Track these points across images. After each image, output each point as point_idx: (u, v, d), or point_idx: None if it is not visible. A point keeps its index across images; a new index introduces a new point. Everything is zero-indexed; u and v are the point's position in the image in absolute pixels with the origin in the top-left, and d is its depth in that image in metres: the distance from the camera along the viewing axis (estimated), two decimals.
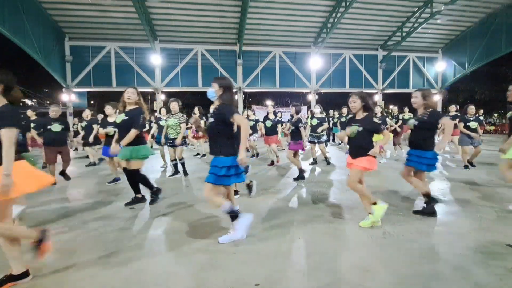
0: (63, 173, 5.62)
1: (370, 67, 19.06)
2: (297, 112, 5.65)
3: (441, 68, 19.19)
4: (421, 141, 3.39)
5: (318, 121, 7.01)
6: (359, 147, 3.10)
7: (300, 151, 5.71)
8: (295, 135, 5.52)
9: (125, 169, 3.91)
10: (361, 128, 3.07)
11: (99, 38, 15.87)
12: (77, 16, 14.13)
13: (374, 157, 3.08)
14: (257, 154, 8.69)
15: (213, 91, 2.79)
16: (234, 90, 3.01)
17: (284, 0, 13.94)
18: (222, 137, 2.70)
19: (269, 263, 2.35)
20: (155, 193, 4.08)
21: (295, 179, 5.41)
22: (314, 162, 7.26)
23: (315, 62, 17.32)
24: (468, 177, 5.52)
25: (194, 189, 4.96)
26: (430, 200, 3.44)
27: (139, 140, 3.81)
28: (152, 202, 4.02)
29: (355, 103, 3.13)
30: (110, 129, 5.06)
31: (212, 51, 17.15)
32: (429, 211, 3.40)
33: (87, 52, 16.16)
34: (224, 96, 2.75)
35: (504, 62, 21.93)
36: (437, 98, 19.70)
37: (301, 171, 5.47)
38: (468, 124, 6.30)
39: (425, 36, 17.69)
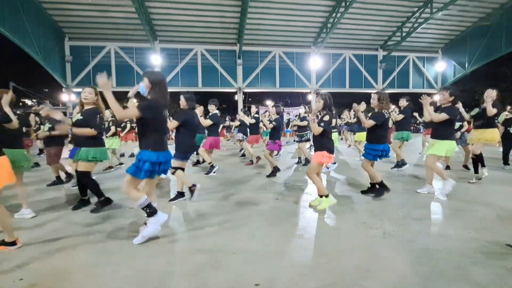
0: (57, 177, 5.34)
1: (370, 67, 19.07)
2: (277, 113, 6.08)
3: (441, 68, 19.20)
4: (373, 136, 4.12)
5: (300, 121, 7.16)
6: (315, 142, 3.70)
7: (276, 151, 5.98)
8: (273, 135, 5.79)
9: (76, 171, 3.73)
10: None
11: (99, 38, 15.89)
12: (77, 16, 14.15)
13: (331, 153, 3.64)
14: (244, 155, 8.79)
15: (143, 86, 2.70)
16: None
17: (284, 0, 13.95)
18: (146, 131, 2.69)
19: (269, 263, 2.35)
20: (102, 202, 3.74)
21: (268, 176, 5.74)
22: (301, 161, 7.36)
23: (315, 62, 17.34)
24: (467, 177, 5.52)
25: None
26: (383, 186, 4.18)
27: (93, 142, 3.63)
28: (93, 210, 3.68)
29: (319, 102, 3.63)
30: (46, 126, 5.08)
31: (212, 51, 17.16)
32: (378, 193, 4.12)
33: (87, 52, 16.18)
34: (152, 92, 2.68)
35: (504, 62, 21.97)
36: (437, 98, 19.70)
37: (275, 169, 5.84)
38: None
39: (425, 36, 17.70)
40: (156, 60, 15.83)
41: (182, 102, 4.21)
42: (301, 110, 7.50)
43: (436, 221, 3.31)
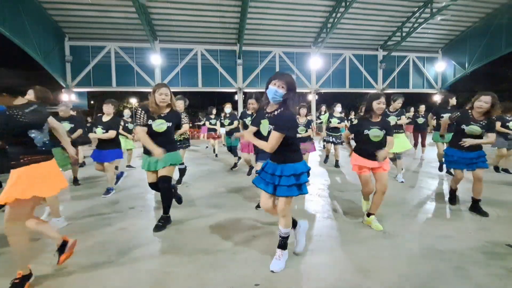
0: (74, 179, 5.37)
1: (370, 67, 19.06)
2: (306, 114, 5.68)
3: (441, 68, 19.20)
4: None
5: (339, 121, 6.88)
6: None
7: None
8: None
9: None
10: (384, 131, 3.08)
11: (99, 38, 15.87)
12: (77, 16, 14.13)
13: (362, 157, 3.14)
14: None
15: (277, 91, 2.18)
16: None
17: (284, 0, 13.94)
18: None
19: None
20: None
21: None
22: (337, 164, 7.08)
23: (315, 62, 17.32)
24: (468, 177, 5.52)
25: (193, 189, 4.96)
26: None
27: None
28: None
29: (384, 104, 3.08)
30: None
31: (212, 51, 17.15)
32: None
33: (87, 52, 16.16)
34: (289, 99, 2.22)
35: (504, 62, 21.91)
36: (437, 98, 19.71)
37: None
38: (507, 124, 5.68)
39: (425, 36, 17.69)
40: (156, 60, 15.82)
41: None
42: (338, 108, 7.04)
43: (436, 221, 3.31)
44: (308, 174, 2.36)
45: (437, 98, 19.81)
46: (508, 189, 4.59)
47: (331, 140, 6.93)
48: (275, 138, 2.15)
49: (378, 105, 3.04)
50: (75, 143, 5.52)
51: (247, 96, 4.39)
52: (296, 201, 4.15)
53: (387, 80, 19.38)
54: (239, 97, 18.11)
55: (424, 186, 4.90)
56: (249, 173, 5.92)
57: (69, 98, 16.22)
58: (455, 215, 3.47)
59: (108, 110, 4.60)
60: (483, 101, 3.30)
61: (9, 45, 12.43)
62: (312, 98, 18.79)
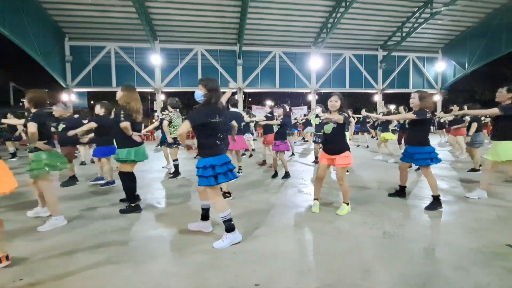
0: (72, 177, 5.43)
1: (370, 67, 19.07)
2: (285, 114, 6.02)
3: (441, 68, 19.20)
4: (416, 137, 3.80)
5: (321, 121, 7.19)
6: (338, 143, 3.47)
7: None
8: (282, 134, 5.71)
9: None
10: (335, 125, 3.39)
11: (99, 38, 15.89)
12: (77, 16, 14.15)
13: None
14: (250, 155, 8.83)
15: (199, 93, 2.70)
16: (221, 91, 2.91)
17: (284, 0, 13.96)
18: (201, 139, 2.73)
19: (269, 263, 2.35)
20: (132, 207, 3.68)
21: (283, 177, 5.68)
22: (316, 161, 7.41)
23: (315, 62, 17.33)
24: (468, 177, 5.52)
25: (193, 189, 4.96)
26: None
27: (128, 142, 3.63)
28: (123, 211, 3.67)
29: (336, 102, 3.44)
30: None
31: (212, 51, 17.16)
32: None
33: (87, 52, 16.17)
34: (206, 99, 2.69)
35: (504, 62, 21.90)
36: (437, 98, 19.72)
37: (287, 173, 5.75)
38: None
39: (425, 36, 17.70)
40: (156, 60, 15.83)
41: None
42: (318, 109, 7.24)
43: (436, 221, 3.31)
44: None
45: (437, 98, 19.81)
46: (508, 190, 4.59)
47: (315, 140, 7.29)
48: (182, 125, 2.61)
49: (330, 103, 3.46)
50: (72, 142, 5.63)
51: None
52: (294, 201, 4.15)
53: (387, 80, 19.39)
54: (239, 97, 18.10)
55: (423, 186, 4.90)
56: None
57: (69, 98, 16.23)
58: (455, 214, 3.47)
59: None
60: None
61: (9, 45, 12.42)
62: (312, 98, 18.80)
